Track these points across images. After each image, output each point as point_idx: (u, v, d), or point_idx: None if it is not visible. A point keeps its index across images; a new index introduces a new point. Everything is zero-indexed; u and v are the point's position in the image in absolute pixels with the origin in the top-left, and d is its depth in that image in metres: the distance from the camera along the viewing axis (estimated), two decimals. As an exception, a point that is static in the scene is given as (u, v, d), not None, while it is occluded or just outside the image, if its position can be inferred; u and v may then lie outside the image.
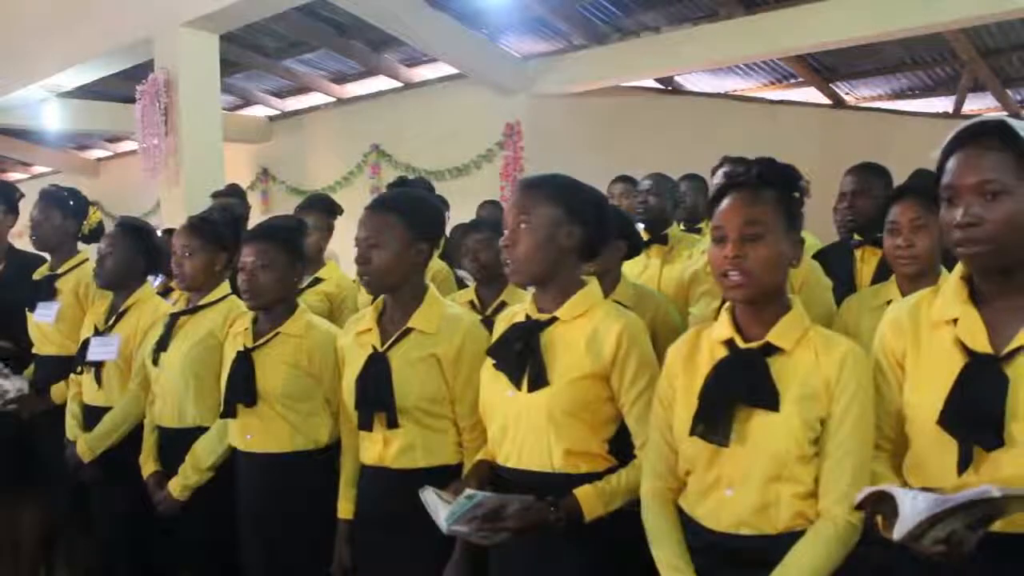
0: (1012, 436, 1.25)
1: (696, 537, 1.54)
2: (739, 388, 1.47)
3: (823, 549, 1.41)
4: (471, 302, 2.86)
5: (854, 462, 1.43)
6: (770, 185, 1.50)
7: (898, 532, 1.18)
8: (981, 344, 1.32)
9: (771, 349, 1.49)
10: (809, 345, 1.49)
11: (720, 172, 2.77)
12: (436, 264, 3.56)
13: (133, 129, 5.69)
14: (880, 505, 1.23)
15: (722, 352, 1.53)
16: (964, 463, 1.30)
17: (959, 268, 1.42)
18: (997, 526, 1.25)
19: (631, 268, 2.90)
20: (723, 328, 1.55)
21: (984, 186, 1.28)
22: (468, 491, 1.59)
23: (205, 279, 2.56)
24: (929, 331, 1.41)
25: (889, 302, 2.16)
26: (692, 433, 1.49)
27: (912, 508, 1.17)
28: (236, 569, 2.34)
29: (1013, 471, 1.21)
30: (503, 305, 2.77)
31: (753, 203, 1.49)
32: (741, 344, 1.51)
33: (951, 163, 1.33)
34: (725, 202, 1.52)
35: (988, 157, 1.28)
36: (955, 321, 1.37)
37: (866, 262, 2.67)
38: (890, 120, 6.39)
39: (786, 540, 1.43)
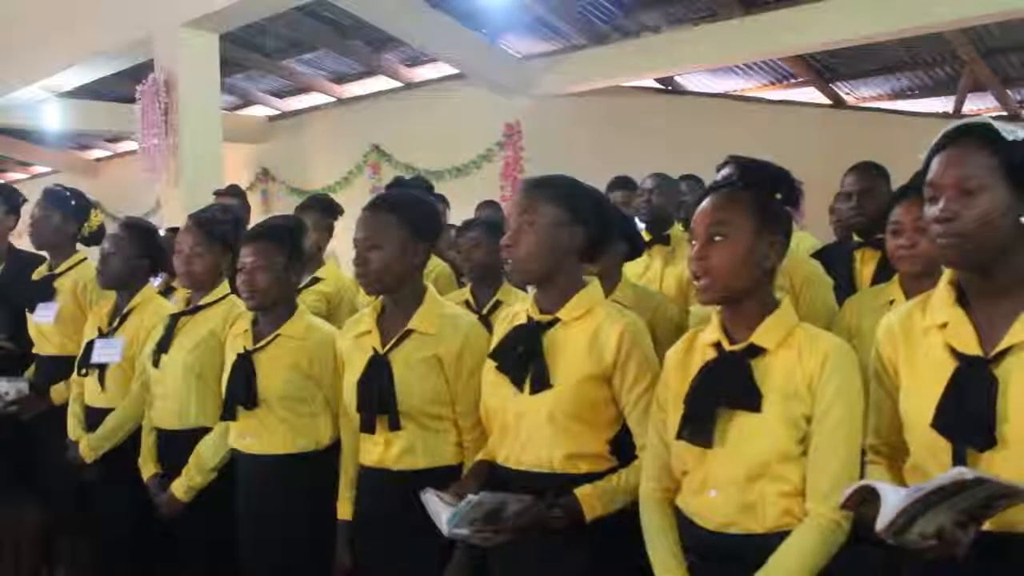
0: (1004, 437, 1.26)
1: (690, 535, 1.55)
2: (721, 391, 1.48)
3: (808, 549, 1.41)
4: (466, 301, 2.86)
5: (838, 461, 1.43)
6: (750, 187, 1.51)
7: (880, 524, 1.18)
8: (971, 347, 1.33)
9: (756, 350, 1.49)
10: (793, 344, 1.49)
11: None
12: (435, 264, 3.56)
13: (133, 129, 5.69)
14: (867, 503, 1.23)
15: (711, 355, 1.54)
16: (957, 465, 1.29)
17: (947, 273, 1.42)
18: (993, 525, 1.25)
19: (633, 269, 2.90)
20: (712, 331, 1.56)
21: (963, 183, 1.29)
22: (470, 496, 1.59)
23: (211, 279, 2.56)
24: (921, 337, 1.42)
25: (891, 302, 2.17)
26: (679, 437, 1.51)
27: (894, 499, 1.17)
28: (236, 569, 2.34)
29: (1006, 472, 1.21)
30: (498, 304, 2.77)
31: (723, 205, 1.50)
32: (727, 346, 1.52)
33: (935, 162, 1.35)
34: (700, 205, 1.54)
35: (969, 156, 1.30)
36: (945, 325, 1.38)
37: (866, 263, 2.66)
38: (890, 120, 6.37)
39: (774, 539, 1.43)
